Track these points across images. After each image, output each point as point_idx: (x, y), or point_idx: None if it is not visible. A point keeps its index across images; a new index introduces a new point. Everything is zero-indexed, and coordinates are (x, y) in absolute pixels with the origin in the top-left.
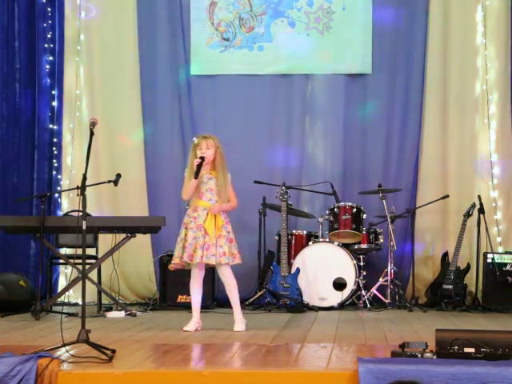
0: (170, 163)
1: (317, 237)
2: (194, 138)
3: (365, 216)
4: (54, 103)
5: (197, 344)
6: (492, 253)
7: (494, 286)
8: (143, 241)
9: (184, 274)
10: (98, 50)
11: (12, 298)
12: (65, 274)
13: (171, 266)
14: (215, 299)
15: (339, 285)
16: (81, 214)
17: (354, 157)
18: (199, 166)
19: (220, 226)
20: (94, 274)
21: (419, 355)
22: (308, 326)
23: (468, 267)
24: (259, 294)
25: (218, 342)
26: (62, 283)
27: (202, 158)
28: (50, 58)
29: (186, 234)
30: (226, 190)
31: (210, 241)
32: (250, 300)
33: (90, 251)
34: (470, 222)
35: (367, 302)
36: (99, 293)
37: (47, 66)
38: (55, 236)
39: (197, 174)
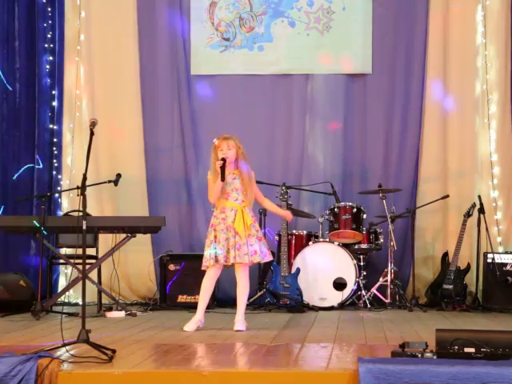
0: (170, 163)
1: (317, 237)
2: (215, 140)
3: (365, 216)
4: (54, 103)
5: (197, 344)
6: (492, 253)
7: (494, 286)
8: (143, 241)
9: (184, 274)
10: (97, 50)
11: (12, 298)
12: (65, 274)
13: (204, 267)
14: (215, 299)
15: (339, 285)
16: (81, 214)
17: (354, 157)
18: (223, 168)
19: (249, 225)
20: (94, 274)
21: (419, 355)
22: (308, 326)
23: (468, 267)
24: (259, 293)
25: (218, 341)
26: (62, 283)
27: (224, 160)
28: (50, 58)
29: (215, 236)
30: (252, 188)
31: (240, 240)
32: (251, 300)
33: (90, 251)
34: (470, 222)
35: (367, 301)
36: (99, 293)
37: (47, 66)
38: (55, 236)
39: (223, 176)
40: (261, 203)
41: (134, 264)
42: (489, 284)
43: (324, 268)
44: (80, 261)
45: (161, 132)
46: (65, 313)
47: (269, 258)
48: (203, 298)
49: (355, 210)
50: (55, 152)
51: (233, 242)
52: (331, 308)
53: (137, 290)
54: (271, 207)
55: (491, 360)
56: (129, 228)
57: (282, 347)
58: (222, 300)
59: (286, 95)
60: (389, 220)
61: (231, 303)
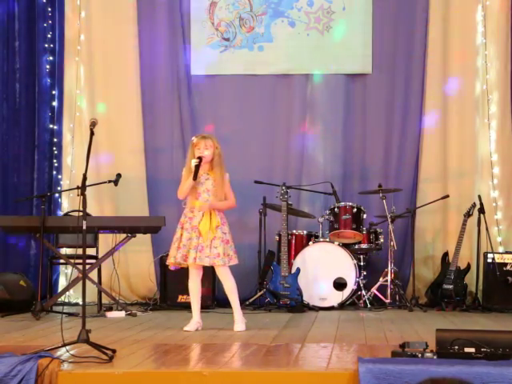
0: (170, 163)
1: (317, 237)
2: (193, 138)
3: (365, 216)
4: (54, 103)
5: (197, 344)
6: (492, 253)
7: (494, 286)
8: (143, 241)
9: (184, 274)
10: (97, 50)
11: (12, 298)
12: (65, 274)
13: (169, 264)
14: (215, 299)
15: (339, 285)
16: (81, 214)
17: (354, 157)
18: (197, 167)
19: (215, 227)
20: (94, 274)
21: (419, 355)
22: (308, 326)
23: (468, 267)
24: (259, 293)
25: (218, 341)
26: (62, 283)
27: (200, 159)
28: (50, 58)
29: (181, 235)
30: (222, 190)
31: (203, 242)
32: (250, 300)
33: (90, 251)
34: (470, 222)
35: (367, 301)
36: (99, 293)
37: (47, 66)
38: (55, 236)
39: (195, 175)
40: None
41: (134, 264)
42: (489, 284)
43: (324, 268)
44: (80, 261)
45: (161, 132)
46: (65, 313)
47: (234, 261)
48: (194, 300)
49: (355, 209)
50: (55, 152)
51: (196, 242)
52: (331, 308)
53: (137, 290)
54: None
55: (491, 360)
56: (129, 228)
57: (282, 347)
58: (222, 300)
59: (286, 95)
60: (389, 220)
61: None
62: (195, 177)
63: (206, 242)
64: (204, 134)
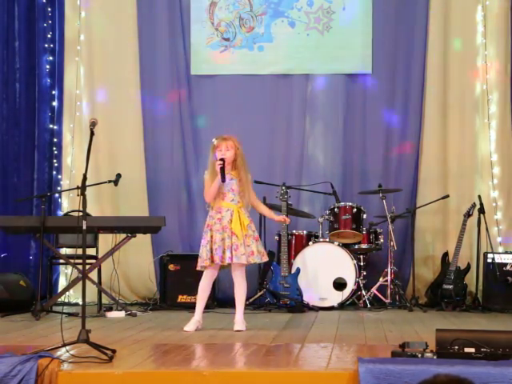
0: (170, 163)
1: (317, 237)
2: (214, 140)
3: (365, 216)
4: (54, 103)
5: (197, 344)
6: (492, 253)
7: (494, 286)
8: (143, 241)
9: (184, 274)
10: (97, 50)
11: (12, 298)
12: (65, 274)
13: (203, 267)
14: (215, 299)
15: (339, 285)
16: (81, 214)
17: (354, 157)
18: (222, 169)
19: (246, 226)
20: (94, 274)
21: (419, 355)
22: (308, 326)
23: (468, 267)
24: (259, 293)
25: (218, 341)
26: (62, 283)
27: (223, 160)
28: (50, 58)
29: (211, 236)
30: (249, 191)
31: (237, 241)
32: (250, 300)
33: (90, 251)
34: (470, 222)
35: (367, 301)
36: (99, 293)
37: (47, 66)
38: (55, 236)
39: (223, 177)
40: (256, 207)
41: (134, 264)
42: (489, 284)
43: (324, 268)
44: (80, 261)
45: (161, 132)
46: (65, 313)
47: (266, 258)
48: (201, 299)
49: (355, 210)
50: (55, 152)
51: (229, 242)
52: (331, 308)
53: (137, 290)
54: (266, 212)
55: (491, 360)
56: (129, 228)
57: (282, 347)
58: (222, 300)
59: (285, 95)
60: (389, 220)
61: (231, 303)
62: (223, 178)
63: (240, 241)
64: (224, 135)
